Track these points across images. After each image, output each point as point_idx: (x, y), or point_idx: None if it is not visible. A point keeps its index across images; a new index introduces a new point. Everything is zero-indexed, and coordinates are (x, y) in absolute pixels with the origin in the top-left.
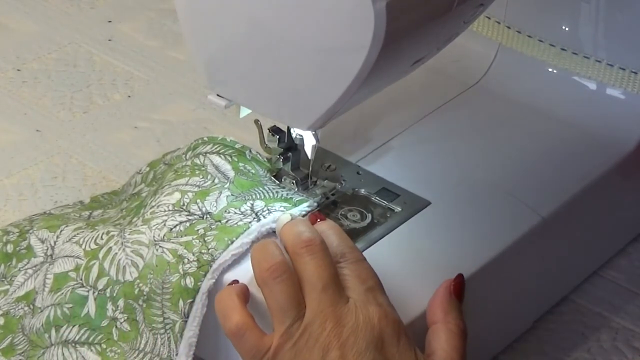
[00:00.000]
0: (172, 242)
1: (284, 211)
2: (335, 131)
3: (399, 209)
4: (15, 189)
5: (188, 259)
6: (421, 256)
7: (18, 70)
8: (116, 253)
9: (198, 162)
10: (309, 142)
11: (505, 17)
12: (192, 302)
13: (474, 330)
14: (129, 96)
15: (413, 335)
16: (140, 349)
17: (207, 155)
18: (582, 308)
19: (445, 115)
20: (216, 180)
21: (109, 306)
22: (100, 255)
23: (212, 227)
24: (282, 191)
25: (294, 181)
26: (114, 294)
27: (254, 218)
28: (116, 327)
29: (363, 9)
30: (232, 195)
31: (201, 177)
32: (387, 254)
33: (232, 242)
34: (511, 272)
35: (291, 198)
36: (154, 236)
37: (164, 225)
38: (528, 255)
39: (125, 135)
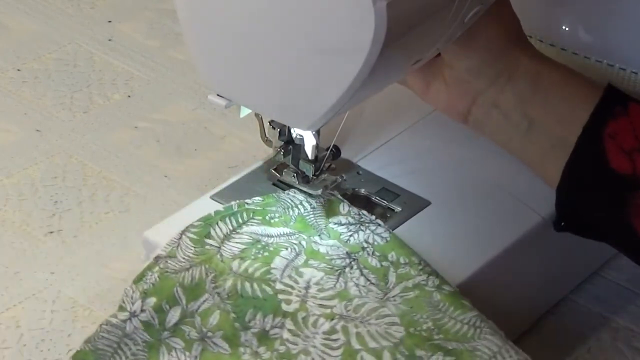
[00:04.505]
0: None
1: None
2: (336, 131)
3: (399, 209)
4: (15, 189)
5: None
6: (421, 256)
7: (18, 70)
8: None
9: (258, 246)
10: (309, 142)
11: None
12: None
13: None
14: (129, 96)
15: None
16: None
17: (243, 230)
18: (582, 308)
19: (445, 115)
20: (294, 245)
21: None
22: None
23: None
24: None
25: (295, 174)
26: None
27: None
28: None
29: (363, 9)
30: (314, 240)
31: (287, 250)
32: None
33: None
34: (511, 271)
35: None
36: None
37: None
38: (528, 255)
39: (125, 135)
